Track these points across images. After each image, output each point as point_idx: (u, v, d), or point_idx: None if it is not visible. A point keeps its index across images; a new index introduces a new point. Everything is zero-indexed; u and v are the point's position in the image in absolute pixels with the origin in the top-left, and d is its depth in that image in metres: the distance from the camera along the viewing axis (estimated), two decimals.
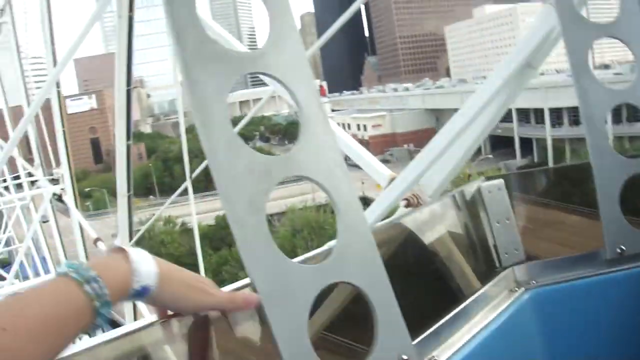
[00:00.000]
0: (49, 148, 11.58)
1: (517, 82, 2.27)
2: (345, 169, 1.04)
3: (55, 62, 10.08)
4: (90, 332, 0.83)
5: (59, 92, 10.60)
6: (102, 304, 0.80)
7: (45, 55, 10.42)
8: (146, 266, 0.86)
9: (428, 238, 1.62)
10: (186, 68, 0.89)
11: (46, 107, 7.28)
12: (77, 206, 10.25)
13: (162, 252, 53.07)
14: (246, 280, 0.95)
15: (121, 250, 0.88)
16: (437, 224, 1.66)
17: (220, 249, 52.44)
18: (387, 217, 2.71)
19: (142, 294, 0.85)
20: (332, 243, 1.07)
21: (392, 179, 2.90)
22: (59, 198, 12.11)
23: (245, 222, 0.88)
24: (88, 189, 75.84)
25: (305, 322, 0.92)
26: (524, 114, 66.57)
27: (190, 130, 7.81)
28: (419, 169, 2.59)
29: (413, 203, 2.71)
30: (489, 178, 1.66)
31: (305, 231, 43.55)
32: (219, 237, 56.17)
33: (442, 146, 2.44)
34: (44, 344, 0.76)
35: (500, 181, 1.64)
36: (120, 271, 0.84)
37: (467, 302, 1.37)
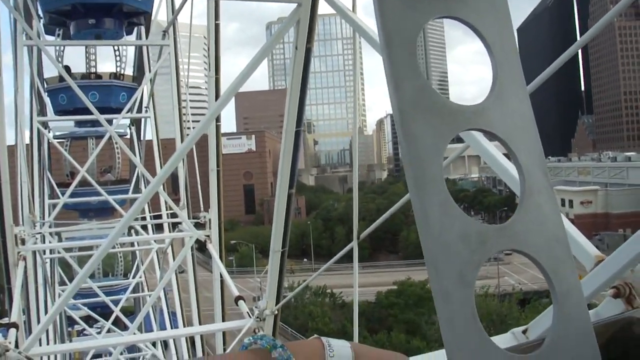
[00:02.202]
0: (199, 188, 12.53)
1: None
2: (569, 249, 1.07)
3: (217, 95, 11.05)
4: None
5: (217, 128, 11.47)
6: None
7: (208, 86, 11.47)
8: (339, 342, 1.03)
9: None
10: (402, 118, 0.98)
11: (200, 143, 8.00)
12: (221, 258, 10.92)
13: (309, 325, 54.32)
14: None
15: (315, 337, 1.07)
16: None
17: (377, 332, 52.57)
18: (589, 307, 2.61)
19: None
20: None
21: (599, 261, 2.81)
22: (200, 247, 12.99)
23: (451, 295, 0.93)
24: (234, 241, 79.87)
25: None
26: None
27: (360, 188, 8.11)
28: (635, 251, 2.48)
29: (623, 293, 2.59)
30: None
31: (482, 323, 43.24)
32: (377, 317, 56.48)
33: None
34: None
35: None
36: (311, 345, 1.02)
37: None
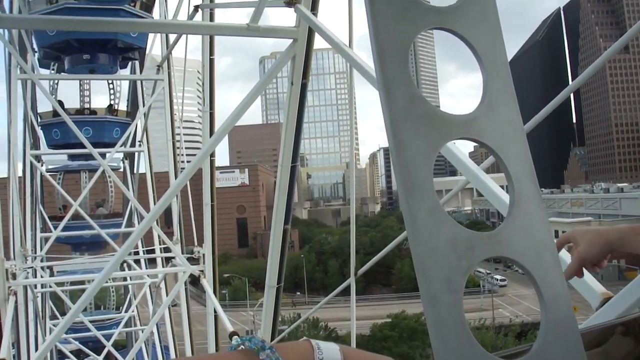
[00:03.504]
0: (192, 222, 12.46)
1: None
2: (557, 256, 1.08)
3: (212, 130, 11.05)
4: None
5: (212, 163, 11.45)
6: None
7: (202, 121, 11.49)
8: (328, 345, 1.03)
9: None
10: (393, 126, 0.99)
11: (193, 177, 8.01)
12: (215, 293, 10.84)
13: None
14: None
15: (305, 339, 1.07)
16: None
17: None
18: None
19: None
20: None
21: (606, 299, 2.78)
22: (193, 281, 12.88)
23: (439, 300, 0.94)
24: (227, 275, 79.16)
25: None
26: None
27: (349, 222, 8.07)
28: None
29: (632, 331, 2.57)
30: None
31: None
32: (372, 350, 55.27)
33: None
34: None
35: None
36: (300, 347, 1.02)
37: None
